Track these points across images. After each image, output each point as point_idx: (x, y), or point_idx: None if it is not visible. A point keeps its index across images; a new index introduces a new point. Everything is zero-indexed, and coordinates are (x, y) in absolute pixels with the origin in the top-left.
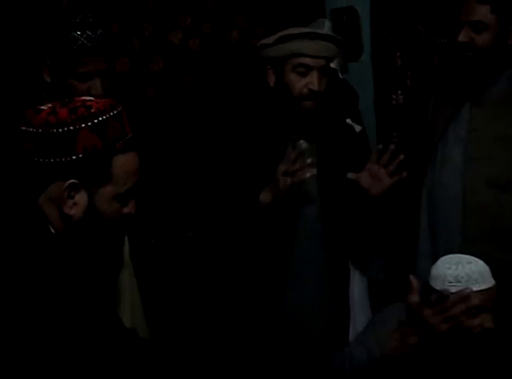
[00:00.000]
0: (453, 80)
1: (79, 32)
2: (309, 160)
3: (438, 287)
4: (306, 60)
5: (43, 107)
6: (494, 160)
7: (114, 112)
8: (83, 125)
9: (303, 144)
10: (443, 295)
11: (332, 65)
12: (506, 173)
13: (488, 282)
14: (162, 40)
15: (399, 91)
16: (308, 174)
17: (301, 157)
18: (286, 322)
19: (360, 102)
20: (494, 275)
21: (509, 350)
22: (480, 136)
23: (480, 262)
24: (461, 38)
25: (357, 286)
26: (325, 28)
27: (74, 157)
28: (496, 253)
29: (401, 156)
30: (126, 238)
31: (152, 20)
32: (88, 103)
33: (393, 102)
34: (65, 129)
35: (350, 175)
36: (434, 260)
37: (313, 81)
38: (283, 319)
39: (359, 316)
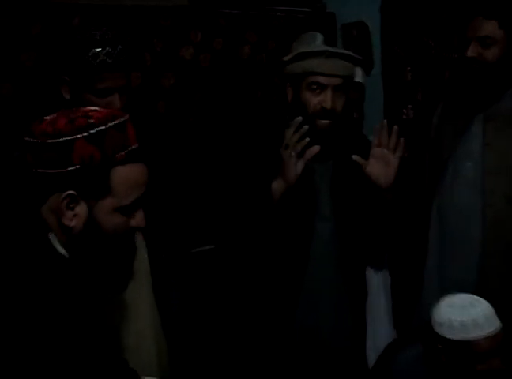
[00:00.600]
0: (461, 95)
1: (99, 49)
2: (307, 139)
3: (444, 334)
4: (320, 78)
5: (47, 117)
6: (510, 174)
7: (115, 122)
8: (79, 136)
9: (297, 119)
10: None
11: (359, 79)
12: None
13: (494, 325)
14: (173, 56)
15: (409, 106)
16: (313, 152)
17: (299, 130)
18: (299, 340)
19: (371, 116)
20: None
21: None
22: (495, 151)
23: (484, 302)
24: (470, 53)
25: (383, 300)
26: (318, 41)
27: (71, 168)
28: None
29: (395, 127)
30: (146, 254)
31: (164, 36)
32: (90, 114)
33: (404, 116)
34: (61, 139)
35: (355, 157)
36: (444, 277)
37: (326, 100)
38: (296, 337)
39: (382, 330)
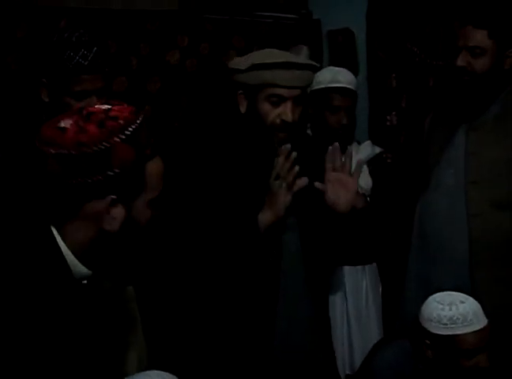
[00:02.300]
0: (449, 104)
1: (74, 51)
2: (297, 168)
3: (432, 330)
4: (280, 91)
5: (63, 125)
6: (496, 183)
7: (141, 118)
8: (116, 139)
9: (286, 146)
10: None
11: (351, 86)
12: (509, 195)
13: (482, 321)
14: (159, 60)
15: (394, 113)
16: (302, 185)
17: (288, 158)
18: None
19: (356, 122)
20: (506, 296)
21: None
22: (479, 160)
23: (471, 300)
24: (459, 62)
25: (372, 306)
26: (303, 55)
27: (111, 173)
28: (507, 275)
29: (348, 149)
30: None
31: (150, 41)
32: (112, 114)
33: (388, 123)
34: (101, 146)
35: (317, 185)
36: (426, 285)
37: (286, 112)
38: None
39: (371, 336)
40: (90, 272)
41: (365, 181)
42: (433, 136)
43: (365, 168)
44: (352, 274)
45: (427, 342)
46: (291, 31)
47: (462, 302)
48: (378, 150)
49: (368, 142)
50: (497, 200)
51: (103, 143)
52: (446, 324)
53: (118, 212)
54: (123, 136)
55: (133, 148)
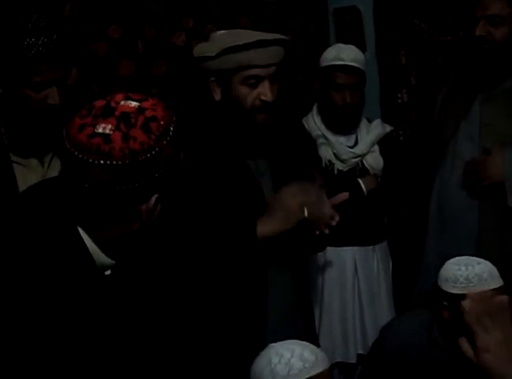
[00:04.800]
0: (466, 75)
1: (33, 39)
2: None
3: (449, 290)
4: (257, 71)
5: (102, 131)
6: None
7: (172, 113)
8: (164, 142)
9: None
10: None
11: (355, 64)
12: None
13: (498, 281)
14: (165, 43)
15: (404, 90)
16: (334, 223)
17: (322, 191)
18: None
19: (367, 101)
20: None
21: None
22: (494, 131)
23: (488, 262)
24: (479, 32)
25: (383, 285)
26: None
27: (157, 175)
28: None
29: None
30: None
31: (155, 23)
32: (149, 114)
33: (399, 100)
34: (153, 152)
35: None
36: (444, 259)
37: (265, 92)
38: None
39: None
40: (113, 262)
41: (376, 161)
42: (448, 110)
43: (376, 148)
44: (363, 254)
45: (445, 303)
46: (297, 10)
47: (479, 264)
48: (388, 129)
49: (378, 121)
50: None
51: (156, 148)
52: (462, 283)
53: (157, 209)
54: (169, 138)
55: (172, 146)
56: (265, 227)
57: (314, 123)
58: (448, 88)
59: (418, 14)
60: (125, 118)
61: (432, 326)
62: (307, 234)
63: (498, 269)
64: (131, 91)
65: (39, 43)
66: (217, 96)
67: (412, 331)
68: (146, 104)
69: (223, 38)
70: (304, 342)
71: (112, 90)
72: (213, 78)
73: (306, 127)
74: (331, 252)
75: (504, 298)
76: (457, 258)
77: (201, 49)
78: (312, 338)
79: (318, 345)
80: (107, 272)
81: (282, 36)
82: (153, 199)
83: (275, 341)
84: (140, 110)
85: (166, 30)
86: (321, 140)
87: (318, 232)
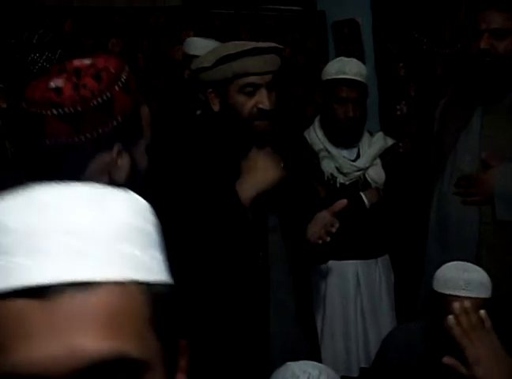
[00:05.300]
0: (466, 88)
1: (38, 54)
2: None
3: (447, 292)
4: (253, 78)
5: (55, 85)
6: None
7: (127, 65)
8: (116, 88)
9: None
10: None
11: (358, 78)
12: None
13: (486, 293)
14: (164, 57)
15: (403, 102)
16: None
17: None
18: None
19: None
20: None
21: None
22: (494, 144)
23: (483, 271)
24: (483, 45)
25: (385, 297)
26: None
27: (115, 123)
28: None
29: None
30: None
31: (155, 37)
32: (100, 65)
33: (398, 112)
34: (104, 97)
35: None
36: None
37: (262, 100)
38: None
39: (385, 326)
40: None
41: (378, 174)
42: (447, 122)
43: (378, 161)
44: (365, 267)
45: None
46: (296, 23)
47: (477, 271)
48: (390, 142)
49: (380, 134)
50: None
51: (107, 93)
52: (461, 286)
53: (125, 161)
54: (120, 85)
55: (128, 95)
56: (248, 191)
57: (316, 136)
58: (447, 100)
59: (417, 26)
60: (76, 72)
61: (432, 332)
62: (309, 243)
63: (497, 280)
64: None
65: (44, 58)
66: (216, 107)
67: (412, 338)
68: (99, 59)
69: (218, 49)
70: (321, 364)
71: None
72: (211, 89)
73: (308, 140)
74: (333, 265)
75: (482, 312)
76: (454, 263)
77: (198, 61)
78: (315, 352)
79: (320, 359)
80: None
81: (276, 45)
82: (116, 149)
83: (281, 359)
84: (92, 64)
85: (165, 43)
86: (323, 154)
87: (320, 241)
